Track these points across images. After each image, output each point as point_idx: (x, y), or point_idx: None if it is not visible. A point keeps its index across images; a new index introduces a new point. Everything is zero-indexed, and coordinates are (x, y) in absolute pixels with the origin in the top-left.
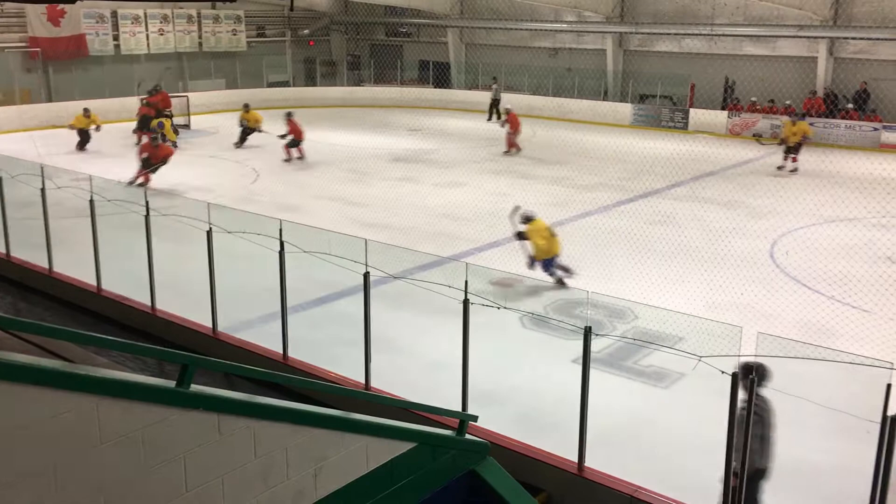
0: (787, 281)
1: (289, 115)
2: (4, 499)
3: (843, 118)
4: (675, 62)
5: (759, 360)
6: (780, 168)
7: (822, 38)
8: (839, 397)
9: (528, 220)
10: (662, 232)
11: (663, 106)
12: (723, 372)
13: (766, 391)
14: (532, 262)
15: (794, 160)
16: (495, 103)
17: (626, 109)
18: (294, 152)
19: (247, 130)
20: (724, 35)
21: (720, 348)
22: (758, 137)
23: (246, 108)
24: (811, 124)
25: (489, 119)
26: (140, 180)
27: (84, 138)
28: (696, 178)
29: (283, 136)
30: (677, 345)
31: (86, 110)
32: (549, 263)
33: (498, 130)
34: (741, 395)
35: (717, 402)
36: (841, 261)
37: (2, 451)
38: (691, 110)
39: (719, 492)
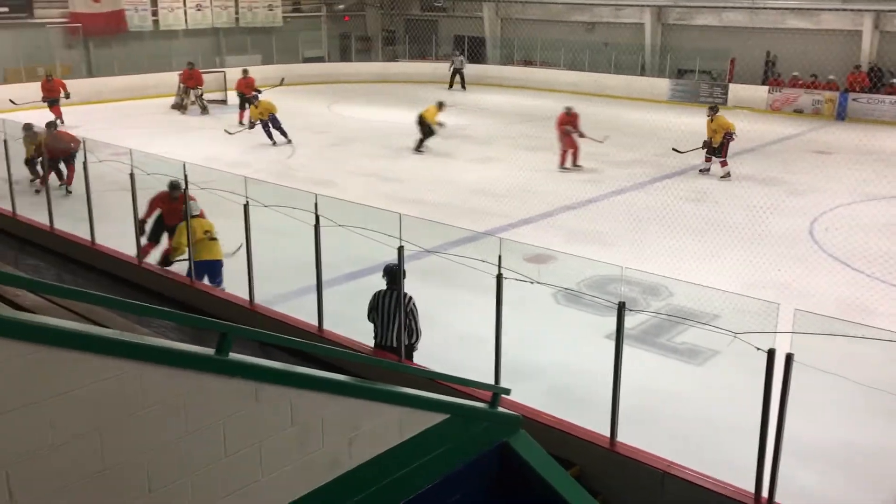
0: (827, 259)
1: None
2: (53, 459)
3: (888, 93)
4: (714, 36)
5: (797, 337)
6: (702, 171)
7: (868, 10)
8: (879, 377)
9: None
10: (699, 209)
11: (702, 81)
12: (758, 349)
13: (407, 288)
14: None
15: (724, 164)
16: (456, 73)
17: (663, 85)
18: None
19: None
20: (765, 8)
21: (756, 326)
22: (675, 149)
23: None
24: (854, 100)
25: (450, 88)
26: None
27: (33, 170)
28: (734, 154)
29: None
30: (712, 322)
31: (27, 127)
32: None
33: (522, 104)
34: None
35: (752, 379)
36: (883, 239)
37: (48, 413)
38: (731, 85)
39: None
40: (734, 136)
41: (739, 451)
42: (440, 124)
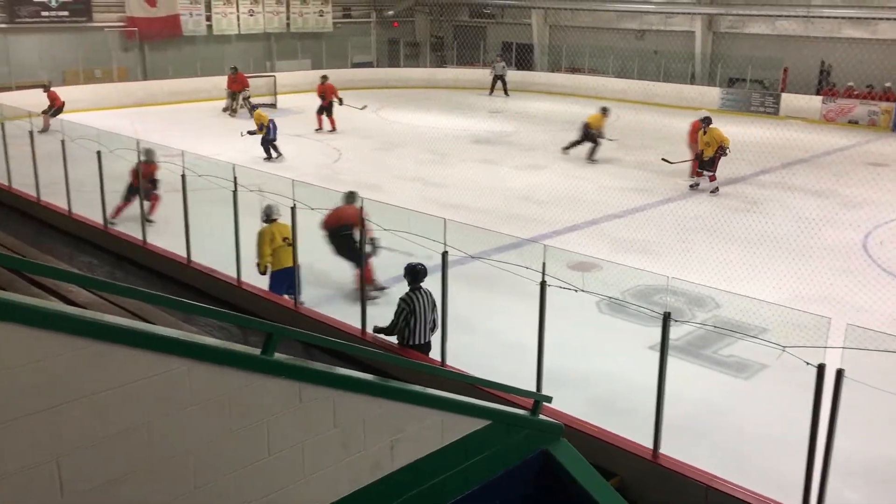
0: (881, 273)
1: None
2: (102, 452)
3: None
4: (767, 44)
5: (847, 352)
6: (693, 187)
7: None
8: None
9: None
10: (748, 220)
11: (753, 90)
12: (808, 363)
13: (425, 286)
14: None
15: (712, 178)
16: (498, 79)
17: (713, 93)
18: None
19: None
20: (821, 17)
21: (806, 340)
22: (664, 159)
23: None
24: None
25: (490, 94)
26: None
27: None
28: (785, 165)
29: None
30: (760, 335)
31: None
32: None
33: (573, 113)
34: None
35: (801, 394)
36: None
37: (98, 407)
38: (783, 95)
39: None
40: (727, 151)
41: (786, 466)
42: (602, 134)
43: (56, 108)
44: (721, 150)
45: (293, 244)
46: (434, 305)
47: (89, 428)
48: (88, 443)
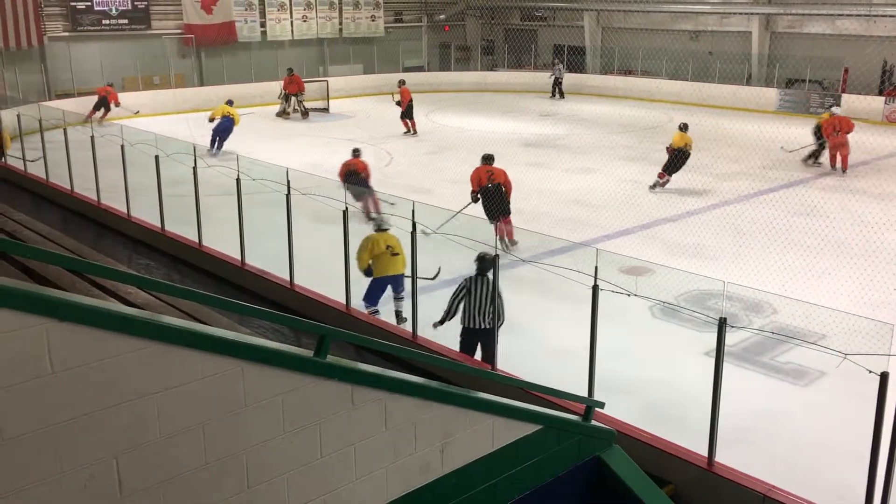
0: None
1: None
2: (159, 450)
3: None
4: (827, 44)
5: None
6: (653, 187)
7: None
8: None
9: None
10: (807, 223)
11: (812, 91)
12: (870, 371)
13: (489, 276)
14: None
15: (661, 175)
16: (557, 82)
17: (771, 94)
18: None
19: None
20: (883, 16)
21: (868, 347)
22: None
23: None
24: None
25: (552, 97)
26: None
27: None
28: (849, 167)
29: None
30: (820, 342)
31: None
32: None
33: (625, 114)
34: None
35: (862, 403)
36: None
37: (156, 407)
38: (843, 96)
39: None
40: (673, 148)
41: (846, 477)
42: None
43: (98, 99)
44: (678, 153)
45: (345, 247)
46: (498, 296)
47: (147, 427)
48: (146, 442)
